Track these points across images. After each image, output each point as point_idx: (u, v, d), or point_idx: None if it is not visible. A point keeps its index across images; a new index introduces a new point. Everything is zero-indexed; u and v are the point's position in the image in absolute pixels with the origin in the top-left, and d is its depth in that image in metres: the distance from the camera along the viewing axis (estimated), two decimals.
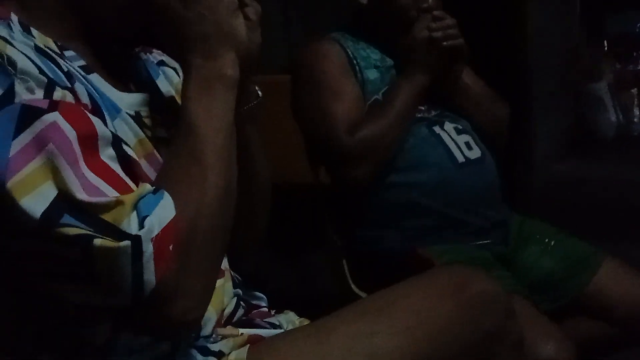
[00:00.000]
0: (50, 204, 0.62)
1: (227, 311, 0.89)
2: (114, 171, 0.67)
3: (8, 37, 0.68)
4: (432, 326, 0.80)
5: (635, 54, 5.37)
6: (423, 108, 1.36)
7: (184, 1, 0.74)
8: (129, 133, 0.77)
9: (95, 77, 0.77)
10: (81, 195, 0.63)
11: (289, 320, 0.94)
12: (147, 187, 0.67)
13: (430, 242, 1.28)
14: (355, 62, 1.36)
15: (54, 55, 0.73)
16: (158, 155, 0.79)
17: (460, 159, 1.32)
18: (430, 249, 1.26)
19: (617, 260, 1.35)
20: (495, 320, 0.82)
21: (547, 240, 1.38)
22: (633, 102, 5.37)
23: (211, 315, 0.84)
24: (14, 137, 0.63)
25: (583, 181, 3.15)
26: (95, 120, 0.68)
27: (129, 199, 0.64)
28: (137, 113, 0.80)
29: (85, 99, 0.71)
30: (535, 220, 1.45)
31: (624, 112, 5.09)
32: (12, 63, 0.65)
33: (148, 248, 0.63)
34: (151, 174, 0.76)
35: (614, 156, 3.67)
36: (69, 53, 0.76)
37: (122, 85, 0.82)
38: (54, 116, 0.64)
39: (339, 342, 0.77)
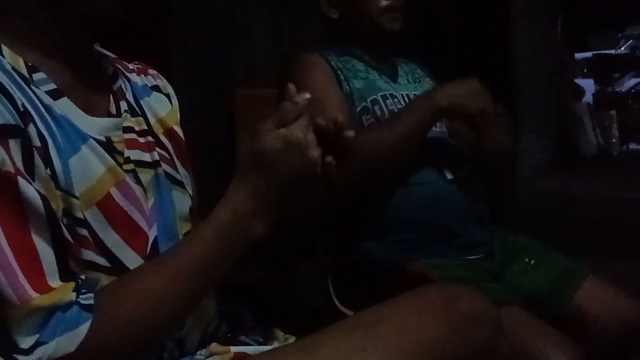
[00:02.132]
0: None
1: (210, 328, 0.88)
2: (38, 257, 0.63)
3: None
4: (423, 343, 0.78)
5: (614, 75, 5.47)
6: None
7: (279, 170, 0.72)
8: (96, 163, 0.74)
9: (63, 103, 0.74)
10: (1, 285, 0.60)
11: (275, 337, 0.93)
12: (71, 295, 0.64)
13: (420, 256, 1.29)
14: (340, 73, 1.37)
15: (20, 81, 0.70)
16: (130, 182, 0.77)
17: (449, 175, 1.34)
18: (419, 263, 1.27)
19: (599, 276, 1.36)
20: (485, 336, 0.82)
21: (531, 256, 1.39)
22: (612, 123, 5.46)
23: (193, 332, 0.83)
24: None
25: (567, 197, 3.18)
26: (31, 194, 0.64)
27: (38, 305, 0.61)
28: (108, 138, 0.78)
29: (36, 141, 0.67)
30: (519, 236, 1.46)
31: (603, 132, 5.17)
32: None
33: None
34: (122, 201, 0.75)
35: (597, 173, 3.73)
36: (38, 76, 0.73)
37: (99, 107, 0.80)
38: None
39: (329, 358, 0.75)
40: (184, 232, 0.85)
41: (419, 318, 0.79)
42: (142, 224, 0.77)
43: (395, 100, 1.39)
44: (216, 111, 1.95)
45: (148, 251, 0.77)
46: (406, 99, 1.41)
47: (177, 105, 0.94)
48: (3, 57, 0.70)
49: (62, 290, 0.63)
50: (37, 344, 0.61)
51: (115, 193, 0.74)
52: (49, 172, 0.67)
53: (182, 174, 0.88)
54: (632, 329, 1.29)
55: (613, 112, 5.48)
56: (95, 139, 0.75)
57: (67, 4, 0.75)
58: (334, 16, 1.43)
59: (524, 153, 3.25)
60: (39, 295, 0.61)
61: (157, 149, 0.85)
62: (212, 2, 1.89)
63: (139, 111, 0.86)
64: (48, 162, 0.68)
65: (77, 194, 0.70)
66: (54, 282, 0.63)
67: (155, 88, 0.93)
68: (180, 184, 0.87)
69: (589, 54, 4.94)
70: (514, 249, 1.41)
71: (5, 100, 0.65)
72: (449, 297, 0.83)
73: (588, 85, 5.11)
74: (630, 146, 5.33)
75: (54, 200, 0.67)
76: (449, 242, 1.31)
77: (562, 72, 4.30)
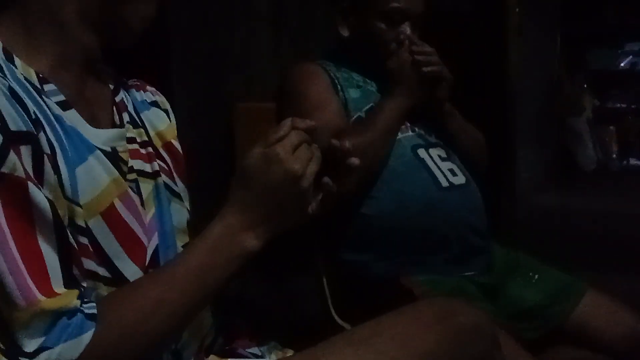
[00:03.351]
0: None
1: (207, 341, 0.88)
2: (44, 263, 0.65)
3: None
4: (418, 357, 0.79)
5: (614, 91, 5.48)
6: (410, 133, 1.39)
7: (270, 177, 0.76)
8: (102, 174, 0.76)
9: (71, 114, 0.76)
10: (3, 278, 0.61)
11: (272, 350, 0.93)
12: (75, 302, 0.65)
13: (414, 271, 1.29)
14: (337, 82, 1.39)
15: (32, 90, 0.72)
16: (131, 193, 0.79)
17: (444, 183, 1.34)
18: (414, 279, 1.27)
19: (598, 291, 1.36)
20: (480, 350, 0.83)
21: (530, 272, 1.40)
22: (612, 139, 5.47)
23: (190, 344, 0.83)
24: None
25: (565, 212, 3.18)
26: (39, 199, 0.65)
27: (45, 308, 0.63)
28: (113, 149, 0.79)
29: (46, 149, 0.69)
30: (518, 253, 1.46)
31: (603, 148, 5.18)
32: None
33: None
34: (124, 212, 0.76)
35: (595, 189, 3.73)
36: (49, 87, 0.75)
37: (103, 119, 0.82)
38: None
39: None
40: (181, 244, 0.86)
41: (416, 332, 0.81)
42: (142, 235, 0.78)
43: None
44: (215, 125, 1.96)
45: (147, 262, 0.78)
46: None
47: (175, 121, 0.96)
48: (15, 67, 0.72)
49: (67, 296, 0.65)
50: (42, 349, 0.62)
51: (118, 204, 0.76)
52: (57, 180, 0.68)
53: (180, 188, 0.90)
54: (634, 341, 1.29)
55: (613, 127, 5.50)
56: (101, 150, 0.77)
57: (98, 20, 0.78)
58: (344, 34, 1.45)
59: (521, 168, 3.25)
60: (45, 298, 0.63)
61: (157, 160, 0.87)
62: (211, 16, 1.91)
63: (139, 123, 0.88)
64: (56, 170, 0.69)
65: (81, 203, 0.71)
66: (59, 288, 0.64)
67: (154, 104, 0.95)
68: (178, 196, 0.88)
69: (588, 70, 4.96)
70: (516, 263, 1.42)
71: (19, 107, 0.67)
72: (445, 312, 0.84)
73: (587, 100, 5.13)
74: (630, 161, 5.33)
75: (61, 207, 0.68)
76: (444, 255, 1.31)
77: (560, 88, 4.31)
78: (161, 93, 0.98)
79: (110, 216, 0.74)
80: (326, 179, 0.82)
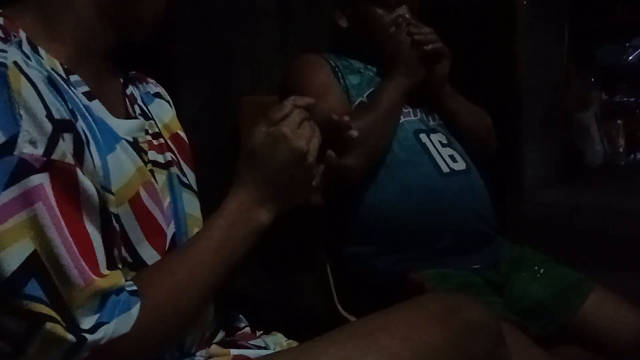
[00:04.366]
0: (24, 261, 0.62)
1: (208, 333, 0.89)
2: (92, 246, 0.67)
3: (23, 65, 0.67)
4: (421, 352, 0.79)
5: (621, 85, 5.46)
6: (413, 117, 1.39)
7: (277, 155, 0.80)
8: (128, 163, 0.78)
9: (96, 105, 0.78)
10: (61, 260, 0.63)
11: (277, 342, 0.94)
12: (122, 281, 0.68)
13: (420, 263, 1.29)
14: (337, 69, 1.41)
15: (60, 80, 0.73)
16: (154, 182, 0.81)
17: (445, 169, 1.34)
18: (422, 273, 1.27)
19: (605, 288, 1.36)
20: (485, 346, 0.82)
21: (536, 267, 1.39)
22: (619, 133, 5.44)
23: (193, 335, 0.84)
24: (4, 188, 0.62)
25: (572, 208, 3.17)
26: (87, 185, 0.68)
27: (100, 288, 0.65)
28: (135, 139, 0.81)
29: (83, 137, 0.71)
30: (525, 248, 1.46)
31: (610, 142, 5.16)
32: (26, 107, 0.65)
33: (85, 353, 0.63)
34: (147, 201, 0.79)
35: (602, 184, 3.72)
36: (74, 78, 0.76)
37: (119, 111, 0.83)
38: (43, 178, 0.63)
39: None
40: (196, 231, 0.87)
41: (419, 327, 0.80)
42: (162, 222, 0.81)
43: None
44: (221, 119, 1.95)
45: (167, 248, 0.81)
46: None
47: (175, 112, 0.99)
48: (41, 57, 0.73)
49: (115, 276, 0.68)
50: (99, 324, 0.64)
51: (142, 193, 0.78)
52: (93, 168, 0.71)
53: (190, 177, 0.93)
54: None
55: (620, 122, 5.47)
56: (125, 140, 0.79)
57: (113, 13, 0.80)
58: (343, 25, 1.46)
59: (528, 164, 3.24)
60: (99, 278, 0.65)
61: (167, 151, 0.89)
62: (217, 11, 1.90)
63: (149, 115, 0.91)
64: (91, 158, 0.71)
65: (113, 191, 0.74)
66: (104, 269, 0.67)
67: (157, 95, 0.97)
68: (188, 186, 0.90)
69: (595, 65, 4.94)
70: (522, 257, 1.41)
71: (57, 96, 0.69)
72: (449, 307, 0.83)
73: (595, 95, 5.10)
74: (637, 156, 5.31)
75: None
76: (448, 244, 1.30)
77: (567, 83, 4.30)
78: (167, 89, 1.00)
79: (136, 204, 0.77)
80: (330, 152, 0.86)
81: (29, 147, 0.63)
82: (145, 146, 0.83)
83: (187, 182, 0.90)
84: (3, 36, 0.70)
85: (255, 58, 2.06)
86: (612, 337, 1.29)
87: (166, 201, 0.84)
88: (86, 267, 0.64)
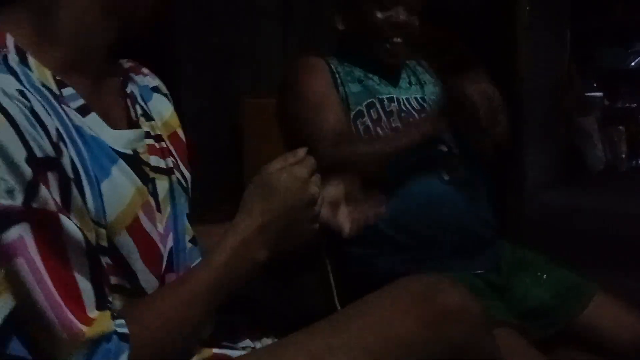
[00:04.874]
0: (5, 319, 0.60)
1: (204, 336, 0.87)
2: (79, 292, 0.64)
3: (1, 99, 0.62)
4: (391, 341, 0.77)
5: (623, 90, 5.46)
6: (414, 116, 1.38)
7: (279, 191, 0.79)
8: (126, 185, 0.74)
9: (91, 119, 0.73)
10: (44, 315, 0.61)
11: (265, 344, 0.92)
12: (111, 326, 0.66)
13: (421, 265, 1.28)
14: (337, 76, 1.39)
15: (50, 98, 0.69)
16: (151, 201, 0.78)
17: (446, 176, 1.34)
18: None
19: (607, 293, 1.36)
20: (463, 331, 0.80)
21: (538, 270, 1.38)
22: (621, 139, 5.44)
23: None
24: None
25: (573, 210, 3.17)
26: (72, 230, 0.65)
27: (87, 338, 0.63)
28: (135, 151, 0.78)
29: (70, 173, 0.67)
30: (526, 250, 1.45)
31: (612, 148, 5.15)
32: (3, 152, 0.60)
33: None
34: (146, 223, 0.76)
35: (603, 187, 3.71)
36: (67, 91, 0.72)
37: (118, 117, 0.80)
38: (23, 229, 0.61)
39: (295, 359, 0.76)
40: (188, 238, 0.86)
41: (390, 315, 0.79)
42: (159, 242, 0.78)
43: (394, 104, 1.40)
44: (222, 120, 1.95)
45: (164, 267, 0.79)
46: (406, 102, 1.41)
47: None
48: (30, 70, 0.69)
49: (103, 320, 0.65)
50: None
51: (141, 216, 0.75)
52: (83, 204, 0.67)
53: (187, 179, 0.89)
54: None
55: (622, 127, 5.47)
56: (123, 154, 0.75)
57: (118, 6, 0.76)
58: (340, 28, 1.45)
59: (529, 165, 3.24)
60: (86, 327, 0.63)
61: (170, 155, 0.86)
62: (217, 11, 1.91)
63: (150, 114, 0.87)
64: (81, 193, 0.68)
65: (108, 221, 0.70)
66: (92, 312, 0.65)
67: (156, 89, 0.92)
68: (186, 190, 0.87)
69: (597, 69, 4.94)
70: (524, 261, 1.41)
71: (41, 130, 0.64)
72: (425, 293, 0.81)
73: (597, 100, 5.10)
74: (639, 161, 5.31)
75: (88, 230, 0.67)
76: (450, 248, 1.30)
77: (569, 86, 4.29)
78: (168, 90, 0.95)
79: (135, 230, 0.74)
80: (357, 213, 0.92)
81: (6, 198, 0.60)
82: (145, 156, 0.79)
83: (185, 185, 0.87)
84: None
85: (255, 58, 2.07)
86: (613, 340, 1.28)
87: (166, 213, 0.80)
88: (72, 318, 0.62)
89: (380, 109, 1.38)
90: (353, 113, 1.36)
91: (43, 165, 0.63)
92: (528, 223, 2.91)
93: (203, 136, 2.02)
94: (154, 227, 0.77)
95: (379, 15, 1.40)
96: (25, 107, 0.64)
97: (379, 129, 1.35)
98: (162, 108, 0.90)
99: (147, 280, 0.76)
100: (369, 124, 1.36)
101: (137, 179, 0.76)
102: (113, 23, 0.76)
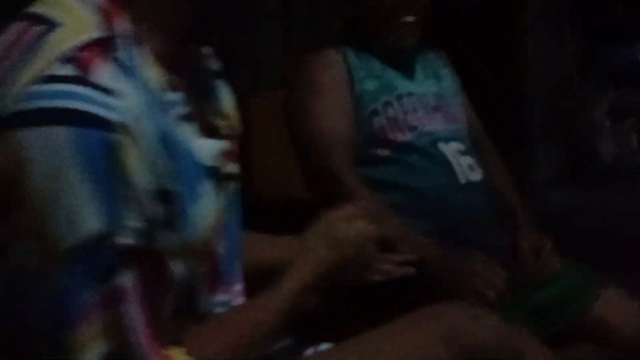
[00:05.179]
0: None
1: None
2: (160, 329, 0.62)
3: (135, 124, 0.56)
4: None
5: (631, 85, 5.42)
6: (432, 125, 1.35)
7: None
8: (209, 208, 0.69)
9: (187, 129, 0.67)
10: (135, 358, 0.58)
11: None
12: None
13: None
14: (353, 72, 1.35)
15: (158, 106, 0.61)
16: (224, 218, 0.75)
17: (462, 180, 1.31)
18: None
19: (615, 288, 1.35)
20: (471, 353, 0.79)
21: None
22: (629, 134, 5.41)
23: None
24: (94, 285, 0.55)
25: (580, 209, 3.15)
26: (171, 270, 0.62)
27: None
28: (216, 166, 0.72)
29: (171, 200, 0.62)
30: None
31: (620, 143, 5.12)
32: (130, 187, 0.55)
33: None
34: (217, 245, 0.73)
35: (611, 185, 3.68)
36: (176, 97, 0.65)
37: (204, 121, 0.73)
38: (133, 272, 0.57)
39: None
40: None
41: (432, 343, 0.78)
42: (217, 258, 0.75)
43: (412, 99, 1.37)
44: None
45: (213, 281, 0.76)
46: (422, 98, 1.38)
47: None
48: (145, 69, 0.60)
49: (179, 357, 0.63)
50: None
51: (214, 236, 0.72)
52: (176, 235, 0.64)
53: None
54: None
55: (630, 123, 5.44)
56: (209, 170, 0.70)
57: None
58: (349, 13, 1.41)
59: (535, 164, 3.22)
60: None
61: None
62: (217, 11, 1.90)
63: (222, 111, 0.79)
64: (177, 223, 0.64)
65: (187, 248, 0.66)
66: (169, 348, 0.62)
67: (218, 74, 0.82)
68: (239, 195, 0.83)
69: (606, 64, 4.90)
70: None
71: (160, 156, 0.59)
72: (463, 323, 0.80)
73: (604, 95, 5.08)
74: None
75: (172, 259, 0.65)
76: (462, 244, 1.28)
77: (576, 83, 4.26)
78: None
79: (209, 256, 0.71)
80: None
81: (125, 238, 0.55)
82: (224, 169, 0.74)
83: (239, 189, 0.82)
84: (104, 47, 0.56)
85: (255, 58, 2.06)
86: (621, 334, 1.28)
87: (224, 220, 0.76)
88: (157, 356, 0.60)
89: (397, 107, 1.34)
90: (368, 111, 1.33)
91: (161, 200, 0.59)
92: (535, 221, 2.89)
93: None
94: (221, 245, 0.75)
95: (391, 18, 1.36)
96: (150, 129, 0.58)
97: (396, 129, 1.32)
98: (226, 101, 0.82)
99: (203, 299, 0.73)
100: (385, 123, 1.32)
101: (219, 199, 0.72)
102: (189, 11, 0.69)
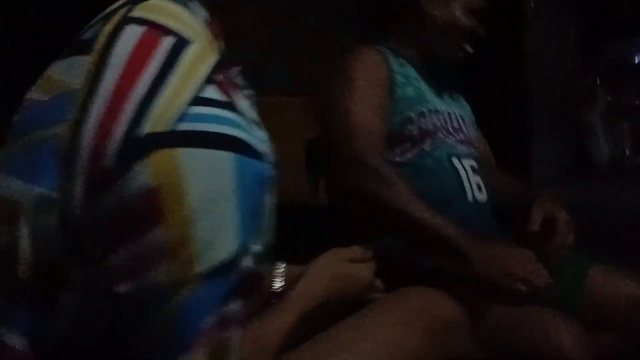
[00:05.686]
0: None
1: None
2: None
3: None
4: (405, 353, 0.85)
5: (628, 85, 5.43)
6: (450, 139, 1.35)
7: None
8: None
9: None
10: None
11: None
12: None
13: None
14: (394, 75, 1.36)
15: None
16: None
17: (470, 197, 1.32)
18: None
19: (602, 265, 1.37)
20: (459, 342, 0.90)
21: None
22: (625, 134, 5.42)
23: None
24: (217, 308, 0.54)
25: (578, 207, 3.16)
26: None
27: None
28: None
29: None
30: None
31: (616, 143, 5.14)
32: (264, 213, 0.57)
33: None
34: None
35: (608, 185, 3.70)
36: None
37: None
38: (244, 295, 0.57)
39: None
40: None
41: (399, 328, 0.87)
42: None
43: (440, 116, 1.37)
44: None
45: None
46: (447, 118, 1.38)
47: None
48: None
49: None
50: None
51: None
52: None
53: None
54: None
55: (626, 123, 5.45)
56: None
57: None
58: (433, 12, 1.40)
59: (535, 163, 3.23)
60: None
61: None
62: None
63: None
64: None
65: None
66: None
67: None
68: None
69: (602, 64, 4.91)
70: None
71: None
72: (425, 305, 0.91)
73: (601, 95, 5.09)
74: None
75: None
76: None
77: (575, 81, 4.28)
78: None
79: None
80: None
81: (249, 260, 0.56)
82: None
83: None
84: (228, 70, 0.58)
85: (256, 62, 2.05)
86: (612, 309, 1.28)
87: None
88: None
89: (429, 121, 1.35)
90: (402, 117, 1.33)
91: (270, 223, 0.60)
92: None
93: None
94: None
95: (464, 20, 1.36)
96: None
97: (421, 139, 1.31)
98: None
99: None
100: (416, 132, 1.32)
101: None
102: None
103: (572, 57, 4.15)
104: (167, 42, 0.55)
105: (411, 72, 1.39)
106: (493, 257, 1.16)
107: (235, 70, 0.57)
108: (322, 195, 1.48)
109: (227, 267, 0.53)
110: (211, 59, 0.56)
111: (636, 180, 3.99)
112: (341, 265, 0.88)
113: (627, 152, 5.20)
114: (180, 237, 0.51)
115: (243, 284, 0.55)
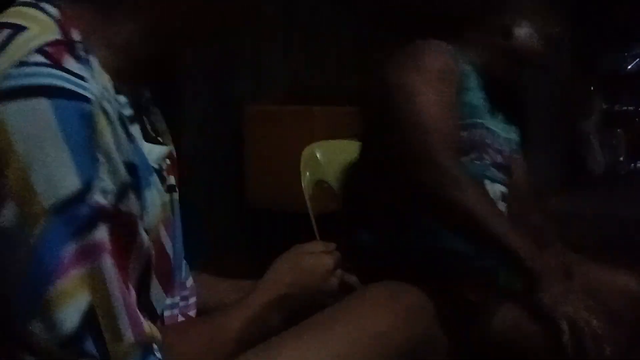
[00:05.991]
0: (82, 319, 0.58)
1: None
2: (138, 297, 0.64)
3: (102, 101, 0.61)
4: (375, 334, 0.92)
5: (622, 93, 5.46)
6: (488, 161, 1.30)
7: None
8: (157, 198, 0.74)
9: (135, 130, 0.72)
10: (119, 315, 0.60)
11: None
12: (159, 336, 0.65)
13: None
14: (464, 78, 1.27)
15: (118, 109, 0.66)
16: (171, 215, 0.81)
17: None
18: None
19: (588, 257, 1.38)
20: (425, 327, 0.98)
21: None
22: (619, 142, 5.45)
23: None
24: (69, 240, 0.57)
25: (573, 216, 3.17)
26: (144, 237, 0.66)
27: (146, 339, 0.62)
28: (160, 167, 0.77)
29: (136, 179, 0.67)
30: None
31: (611, 151, 5.16)
32: (106, 151, 0.60)
33: None
34: (165, 240, 0.78)
35: (603, 192, 3.72)
36: (121, 99, 0.70)
37: (147, 131, 0.78)
38: (108, 230, 0.60)
39: (291, 357, 0.85)
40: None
41: (370, 313, 0.95)
42: (172, 260, 0.81)
43: (488, 134, 1.30)
44: (224, 126, 1.96)
45: (167, 281, 0.80)
46: (494, 135, 1.32)
47: None
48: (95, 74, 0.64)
49: (152, 328, 0.65)
50: None
51: (161, 231, 0.77)
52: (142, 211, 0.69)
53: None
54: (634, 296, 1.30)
55: (620, 130, 5.48)
56: (153, 168, 0.75)
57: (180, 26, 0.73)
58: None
59: (531, 171, 3.24)
60: (148, 331, 0.63)
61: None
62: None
63: (159, 129, 0.84)
64: (141, 200, 0.69)
65: (145, 227, 0.70)
66: (145, 325, 0.64)
67: (151, 101, 0.88)
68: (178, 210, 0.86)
69: (596, 72, 4.94)
70: None
71: (124, 134, 0.65)
72: (392, 293, 1.00)
73: (595, 103, 5.12)
74: (638, 165, 5.31)
75: None
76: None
77: (569, 90, 4.30)
78: (170, 96, 0.97)
79: (155, 243, 0.73)
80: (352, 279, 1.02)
81: (101, 196, 0.59)
82: (165, 174, 0.79)
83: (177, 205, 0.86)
84: (67, 46, 0.61)
85: (258, 65, 2.07)
86: (605, 298, 1.26)
87: (170, 218, 0.80)
88: (141, 320, 0.62)
89: (477, 134, 1.28)
90: (469, 122, 1.26)
91: (130, 170, 0.64)
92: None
93: (205, 142, 2.01)
94: (170, 243, 0.79)
95: (537, 46, 1.32)
96: (114, 109, 0.64)
97: (470, 154, 1.26)
98: (159, 121, 0.87)
99: (158, 295, 0.77)
100: (465, 141, 1.25)
101: (164, 192, 0.77)
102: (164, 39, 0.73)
103: (567, 66, 4.17)
104: (3, 33, 0.62)
105: (473, 79, 1.33)
106: (570, 291, 1.12)
107: (80, 46, 0.63)
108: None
109: (75, 201, 0.58)
110: (42, 38, 0.61)
111: (631, 186, 4.01)
112: (301, 257, 0.92)
113: (622, 159, 5.23)
114: (20, 181, 0.57)
115: (102, 217, 0.59)
